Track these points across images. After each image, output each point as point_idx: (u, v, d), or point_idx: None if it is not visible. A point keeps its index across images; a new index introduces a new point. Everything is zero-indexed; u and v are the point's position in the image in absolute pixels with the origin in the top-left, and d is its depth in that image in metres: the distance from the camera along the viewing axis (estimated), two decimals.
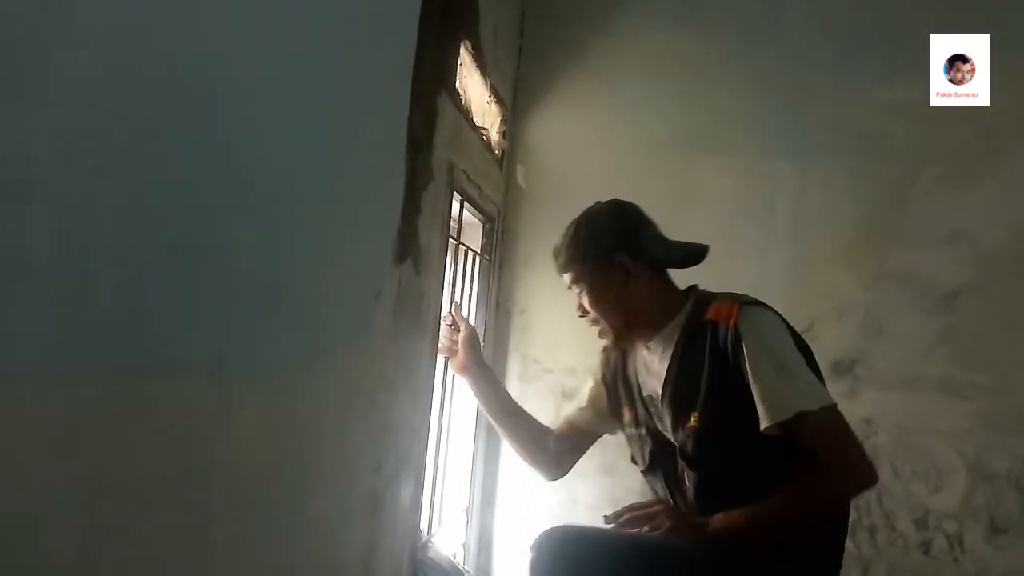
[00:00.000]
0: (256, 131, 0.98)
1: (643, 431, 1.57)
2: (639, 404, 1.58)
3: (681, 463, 1.42)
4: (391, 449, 1.59)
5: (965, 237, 2.39)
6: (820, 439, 1.28)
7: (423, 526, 1.95)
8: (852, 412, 2.41)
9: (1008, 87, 2.29)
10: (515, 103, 2.73)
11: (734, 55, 2.59)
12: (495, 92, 2.41)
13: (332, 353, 1.26)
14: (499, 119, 2.56)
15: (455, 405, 2.40)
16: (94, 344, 0.71)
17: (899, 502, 2.36)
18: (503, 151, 2.62)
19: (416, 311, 1.69)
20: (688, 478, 1.40)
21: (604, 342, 1.62)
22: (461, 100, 1.96)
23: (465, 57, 1.99)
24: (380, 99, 1.45)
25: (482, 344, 2.50)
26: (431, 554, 1.89)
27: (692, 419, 1.41)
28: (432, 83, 1.70)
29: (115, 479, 0.75)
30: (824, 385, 1.39)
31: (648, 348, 1.54)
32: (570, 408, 1.86)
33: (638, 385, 1.59)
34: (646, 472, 1.56)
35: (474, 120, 2.16)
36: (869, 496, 2.37)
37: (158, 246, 0.78)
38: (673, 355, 1.47)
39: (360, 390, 1.40)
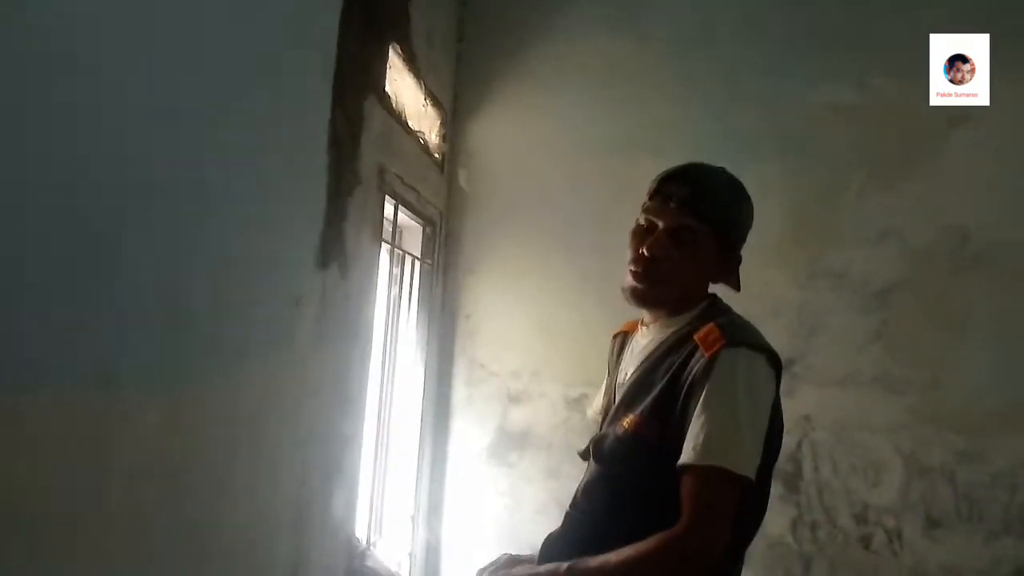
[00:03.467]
0: (151, 131, 0.95)
1: (602, 422, 1.52)
2: (612, 393, 1.52)
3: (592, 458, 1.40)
4: (318, 457, 1.57)
5: (895, 235, 2.44)
6: (701, 492, 1.13)
7: (361, 535, 1.92)
8: (791, 410, 2.43)
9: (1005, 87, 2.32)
10: (455, 107, 2.72)
11: (668, 61, 2.62)
12: (432, 96, 2.40)
13: (246, 361, 1.23)
14: (438, 122, 2.55)
15: (396, 412, 2.38)
16: None
17: (839, 497, 2.39)
18: (443, 155, 2.61)
19: (343, 317, 1.67)
20: (587, 471, 1.38)
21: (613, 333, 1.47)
22: (392, 103, 1.94)
23: (395, 60, 1.98)
24: (297, 100, 1.43)
25: (426, 351, 2.49)
26: (370, 563, 1.86)
27: (626, 422, 1.37)
28: (357, 86, 1.68)
29: None
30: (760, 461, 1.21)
31: (643, 330, 1.47)
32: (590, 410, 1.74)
33: (617, 372, 1.53)
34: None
35: (408, 123, 2.14)
36: (810, 492, 2.41)
37: (31, 254, 0.76)
38: (652, 352, 1.41)
39: (280, 398, 1.38)
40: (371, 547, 1.92)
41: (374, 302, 1.85)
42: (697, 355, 1.21)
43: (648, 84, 2.62)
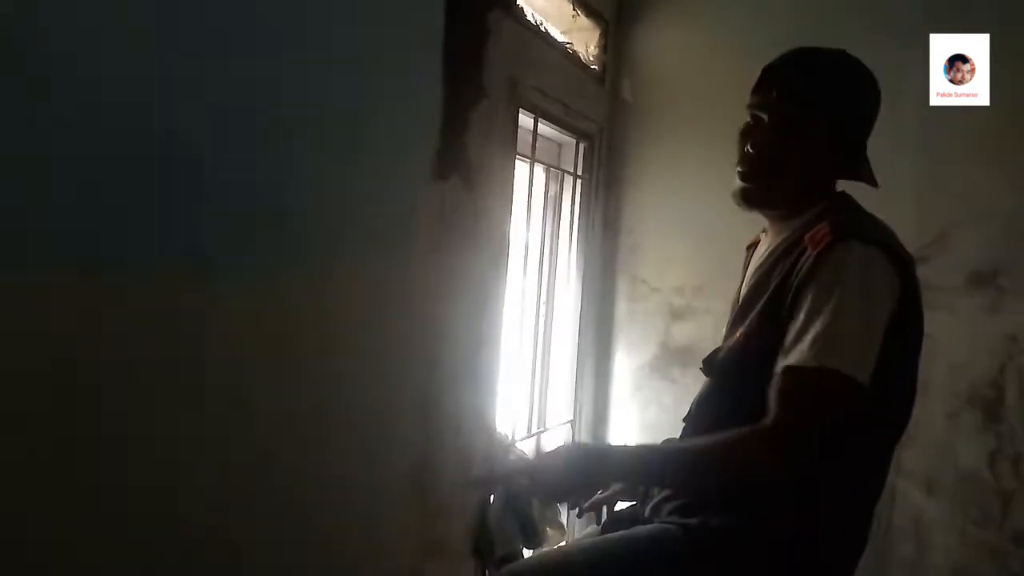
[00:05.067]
0: (253, 32, 1.09)
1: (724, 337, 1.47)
2: (735, 306, 1.47)
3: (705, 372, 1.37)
4: (448, 354, 1.70)
5: None
6: (793, 388, 1.05)
7: (508, 433, 2.06)
8: (993, 328, 2.15)
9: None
10: (619, 15, 2.64)
11: None
12: (585, 5, 2.36)
13: (354, 260, 1.37)
14: (596, 33, 2.50)
15: (556, 324, 2.47)
16: (62, 236, 0.87)
17: None
18: (603, 66, 2.56)
19: (473, 228, 1.76)
20: (704, 385, 1.34)
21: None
22: (524, 15, 1.95)
23: None
24: (406, 13, 1.50)
25: (585, 267, 2.53)
26: (512, 457, 1.99)
27: (738, 333, 1.33)
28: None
29: (90, 365, 0.92)
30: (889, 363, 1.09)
31: (763, 237, 1.42)
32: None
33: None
34: None
35: (551, 35, 2.14)
36: (1013, 422, 2.10)
37: (141, 151, 0.93)
38: (764, 260, 1.34)
39: (399, 295, 1.51)
40: (515, 443, 2.04)
41: (509, 216, 1.92)
42: (806, 255, 1.13)
43: None
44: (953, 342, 2.12)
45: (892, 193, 2.02)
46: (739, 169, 1.26)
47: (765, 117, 1.23)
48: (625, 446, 1.23)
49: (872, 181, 1.28)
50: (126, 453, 0.98)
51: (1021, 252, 2.10)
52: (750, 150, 1.24)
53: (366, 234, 1.41)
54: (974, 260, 2.14)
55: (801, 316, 1.08)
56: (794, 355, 1.07)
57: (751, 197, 1.27)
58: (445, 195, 1.64)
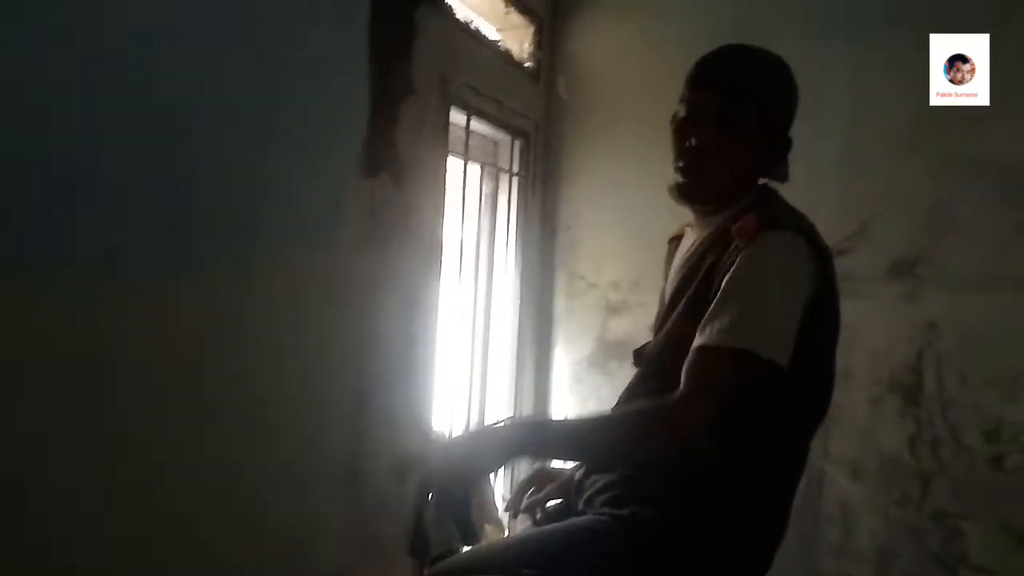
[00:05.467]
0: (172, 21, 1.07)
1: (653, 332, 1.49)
2: (662, 301, 1.48)
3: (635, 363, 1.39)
4: (378, 352, 1.69)
5: None
6: (698, 370, 1.07)
7: (444, 429, 2.06)
8: (913, 316, 2.24)
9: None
10: (553, 13, 2.66)
11: None
12: (517, 2, 2.37)
13: (275, 256, 1.36)
14: (530, 30, 2.52)
15: (494, 321, 2.48)
16: None
17: (967, 413, 2.15)
18: (538, 63, 2.58)
19: (403, 224, 1.76)
20: (633, 380, 1.36)
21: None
22: (452, 12, 1.95)
23: None
24: (333, 10, 1.49)
25: (523, 263, 2.54)
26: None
27: (667, 325, 1.34)
28: None
29: None
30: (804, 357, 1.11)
31: (688, 231, 1.42)
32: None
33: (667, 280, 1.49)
34: None
35: (482, 33, 2.14)
36: (931, 407, 2.19)
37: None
38: (693, 253, 1.35)
39: (324, 291, 1.50)
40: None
41: (441, 213, 1.92)
42: (733, 246, 1.15)
43: None
44: (875, 330, 2.20)
45: (816, 186, 2.10)
46: (679, 164, 1.26)
47: (704, 113, 1.23)
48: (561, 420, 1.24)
49: (785, 176, 1.32)
50: (34, 456, 0.95)
51: (939, 241, 2.18)
52: (694, 143, 1.24)
53: (289, 230, 1.40)
54: (894, 250, 2.21)
55: (721, 298, 1.10)
56: (709, 335, 1.08)
57: (689, 192, 1.28)
58: (375, 191, 1.64)
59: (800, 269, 1.13)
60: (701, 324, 1.11)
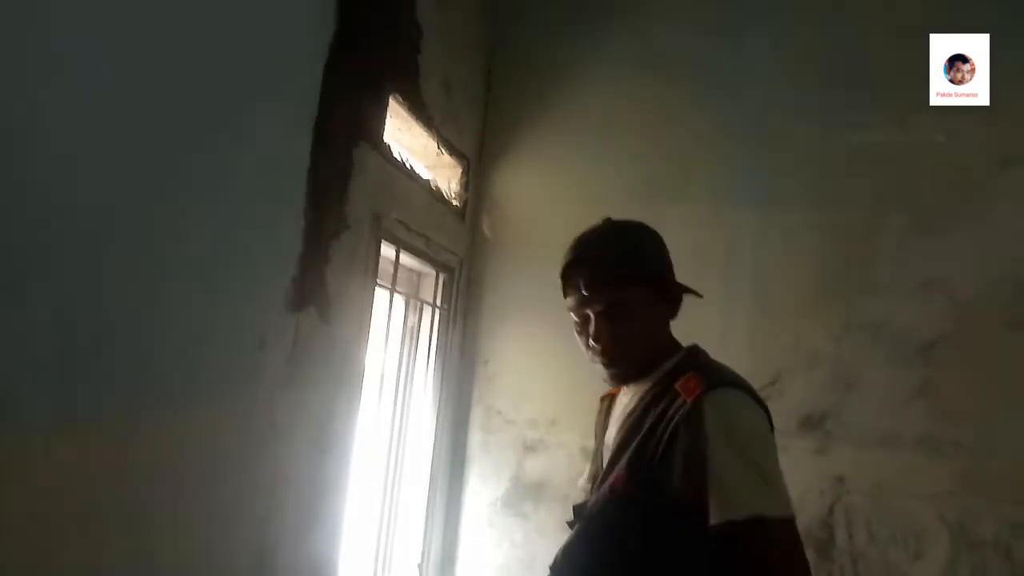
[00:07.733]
0: (103, 154, 1.00)
1: (590, 488, 1.45)
2: (599, 458, 1.46)
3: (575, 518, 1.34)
4: (288, 500, 1.56)
5: (940, 286, 2.26)
6: (773, 554, 1.09)
7: None
8: (823, 470, 2.30)
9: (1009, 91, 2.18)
10: (481, 155, 2.75)
11: (697, 103, 2.56)
12: (449, 145, 2.43)
13: (194, 397, 1.25)
14: (458, 170, 2.57)
15: (407, 458, 2.37)
16: None
17: (876, 569, 2.19)
18: (465, 202, 2.62)
19: (325, 360, 1.68)
20: (570, 533, 1.31)
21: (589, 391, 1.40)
22: (392, 152, 1.97)
23: (398, 110, 2.02)
24: (271, 148, 1.47)
25: (441, 397, 2.47)
26: None
27: (610, 479, 1.31)
28: (346, 134, 1.72)
29: None
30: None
31: (625, 389, 1.42)
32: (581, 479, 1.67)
33: (604, 437, 1.47)
34: None
35: (415, 172, 2.17)
36: (843, 561, 2.22)
37: None
38: (634, 409, 1.35)
39: (240, 437, 1.39)
40: None
41: (365, 346, 1.86)
42: (679, 401, 1.17)
43: (676, 128, 2.57)
44: (788, 483, 2.23)
45: (730, 336, 2.16)
46: (599, 361, 1.29)
47: (590, 312, 1.27)
48: None
49: (674, 313, 1.34)
50: None
51: (844, 398, 2.28)
52: (594, 344, 1.27)
53: (205, 369, 1.30)
54: (804, 404, 2.30)
55: (717, 472, 1.10)
56: (729, 510, 1.07)
57: (622, 377, 1.32)
58: (299, 326, 1.56)
59: (762, 425, 1.19)
60: (714, 499, 1.10)
